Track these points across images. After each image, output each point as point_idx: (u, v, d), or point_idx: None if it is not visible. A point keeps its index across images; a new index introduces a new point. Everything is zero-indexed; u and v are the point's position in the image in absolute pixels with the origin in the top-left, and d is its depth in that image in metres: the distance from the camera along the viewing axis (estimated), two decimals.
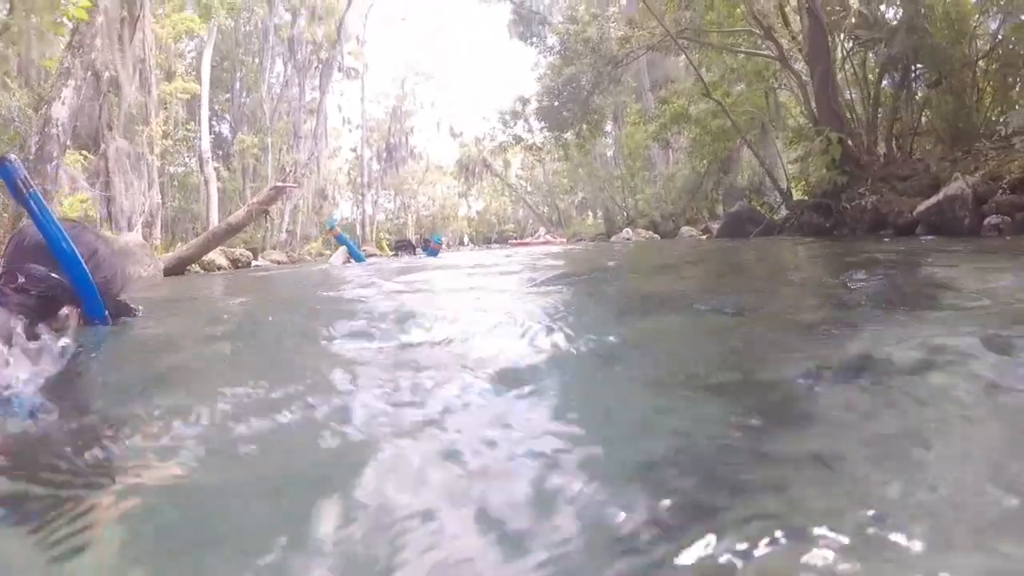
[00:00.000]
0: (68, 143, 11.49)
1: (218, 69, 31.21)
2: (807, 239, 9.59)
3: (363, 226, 42.58)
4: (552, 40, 27.80)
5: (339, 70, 37.39)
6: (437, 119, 76.45)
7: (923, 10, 9.60)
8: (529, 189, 53.30)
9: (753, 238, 11.67)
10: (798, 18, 12.31)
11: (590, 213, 45.08)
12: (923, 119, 10.81)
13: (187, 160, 28.71)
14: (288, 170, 23.06)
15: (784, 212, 13.35)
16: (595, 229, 35.36)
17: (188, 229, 27.08)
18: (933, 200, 7.91)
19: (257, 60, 33.75)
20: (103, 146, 17.02)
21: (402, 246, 18.94)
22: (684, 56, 14.99)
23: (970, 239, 7.04)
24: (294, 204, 32.18)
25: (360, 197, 44.66)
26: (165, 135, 23.45)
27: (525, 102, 33.66)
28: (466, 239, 56.36)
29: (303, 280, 8.72)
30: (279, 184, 14.31)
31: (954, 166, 8.80)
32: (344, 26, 35.09)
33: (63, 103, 9.76)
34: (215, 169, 27.96)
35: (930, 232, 7.98)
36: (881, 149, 11.14)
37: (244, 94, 34.13)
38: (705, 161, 22.28)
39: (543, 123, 29.99)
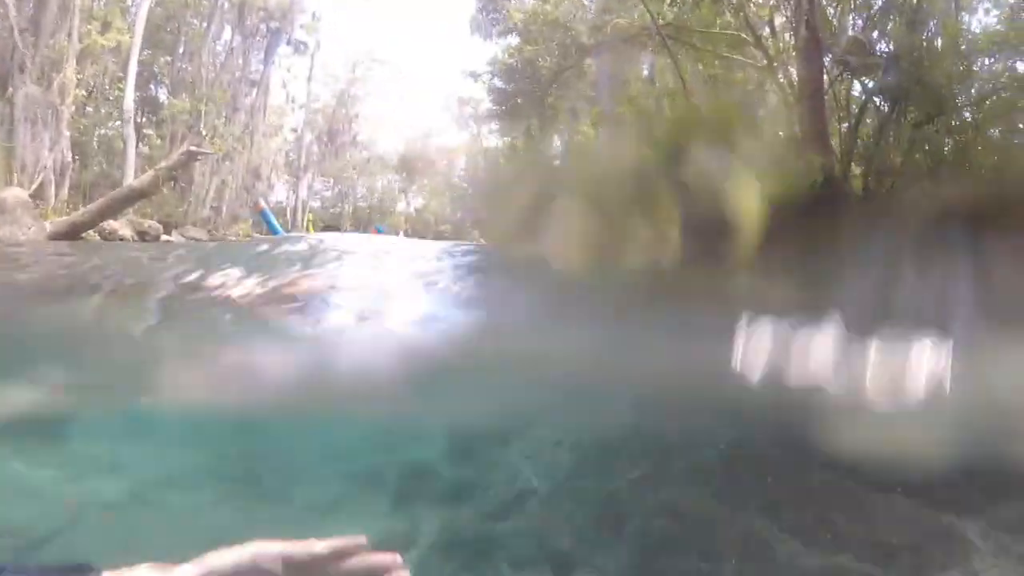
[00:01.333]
0: None
1: (163, 30, 29.28)
2: None
3: (294, 213, 40.59)
4: (517, 18, 26.66)
5: (288, 43, 35.55)
6: (386, 109, 74.79)
7: (924, 43, 9.17)
8: (471, 192, 52.47)
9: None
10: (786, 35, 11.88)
11: None
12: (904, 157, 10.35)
13: (117, 123, 26.86)
14: (206, 135, 21.61)
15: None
16: None
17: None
18: None
19: (204, 24, 31.76)
20: (10, 90, 15.36)
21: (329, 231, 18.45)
22: (654, 56, 14.41)
23: None
24: (222, 179, 30.22)
25: (295, 180, 42.77)
26: (88, 91, 21.75)
27: (476, 77, 32.77)
28: (401, 234, 55.28)
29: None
30: (192, 148, 13.15)
31: None
32: None
33: None
34: (146, 135, 26.22)
35: None
36: (857, 184, 10.67)
37: (187, 59, 32.08)
38: None
39: (492, 105, 29.15)
